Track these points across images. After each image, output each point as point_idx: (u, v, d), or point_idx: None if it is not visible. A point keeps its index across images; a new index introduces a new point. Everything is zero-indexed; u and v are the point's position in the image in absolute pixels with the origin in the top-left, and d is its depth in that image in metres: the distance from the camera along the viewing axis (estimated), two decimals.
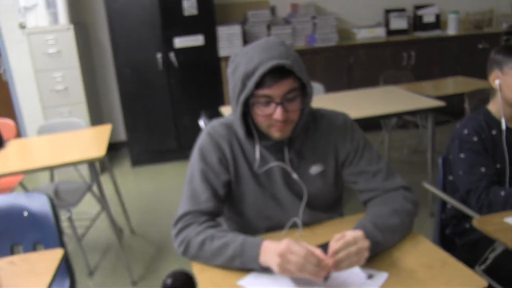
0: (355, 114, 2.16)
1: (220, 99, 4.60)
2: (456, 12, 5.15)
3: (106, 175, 4.11)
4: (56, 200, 2.75)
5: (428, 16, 5.32)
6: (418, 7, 5.35)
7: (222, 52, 4.54)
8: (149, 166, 4.68)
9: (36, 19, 4.22)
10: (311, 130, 1.44)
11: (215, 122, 1.46)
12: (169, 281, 0.82)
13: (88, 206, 3.34)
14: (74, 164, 2.53)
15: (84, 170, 3.51)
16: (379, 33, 5.18)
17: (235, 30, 4.59)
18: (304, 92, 1.32)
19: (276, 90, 1.25)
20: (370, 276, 1.16)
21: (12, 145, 2.82)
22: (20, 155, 2.69)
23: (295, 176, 1.41)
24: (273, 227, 1.45)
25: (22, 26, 4.30)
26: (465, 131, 1.81)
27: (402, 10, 5.33)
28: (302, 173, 1.43)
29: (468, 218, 1.79)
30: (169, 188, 4.09)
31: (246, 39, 4.69)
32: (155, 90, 4.54)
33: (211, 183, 1.38)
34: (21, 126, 4.87)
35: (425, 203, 3.15)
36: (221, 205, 1.42)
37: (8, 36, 4.58)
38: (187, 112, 4.61)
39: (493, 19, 5.45)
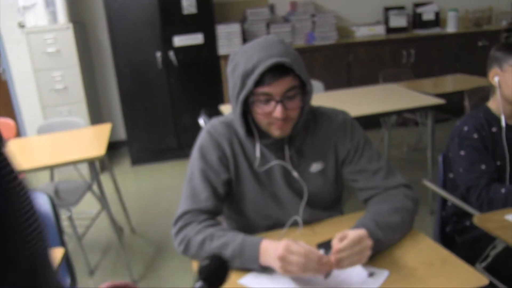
0: (354, 112, 2.17)
1: (219, 98, 4.60)
2: (455, 10, 5.14)
3: (106, 174, 4.11)
4: (56, 200, 2.75)
5: (428, 14, 5.32)
6: (417, 5, 5.35)
7: (222, 50, 4.54)
8: (149, 165, 4.68)
9: (35, 18, 4.21)
10: (311, 128, 1.44)
11: (215, 120, 1.46)
12: (205, 263, 0.83)
13: (88, 205, 3.34)
14: (74, 163, 2.53)
15: (84, 169, 3.51)
16: (379, 31, 5.18)
17: (234, 28, 4.59)
18: (304, 90, 1.32)
19: (276, 88, 1.25)
20: (371, 274, 1.17)
21: (12, 145, 2.82)
22: (20, 155, 2.69)
23: (295, 174, 1.41)
24: (273, 226, 1.45)
25: (21, 26, 4.29)
26: (465, 128, 1.81)
27: (401, 8, 5.32)
28: (303, 171, 1.42)
29: (469, 216, 1.79)
30: (169, 187, 4.09)
31: (245, 38, 4.69)
32: (154, 89, 4.54)
33: (211, 182, 1.38)
34: (21, 125, 4.86)
35: (425, 201, 3.15)
36: (221, 204, 1.42)
37: (7, 35, 4.58)
38: (186, 110, 4.61)
39: (493, 16, 5.45)
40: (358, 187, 1.45)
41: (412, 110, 3.30)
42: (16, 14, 4.32)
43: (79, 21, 4.64)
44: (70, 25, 4.19)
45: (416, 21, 5.34)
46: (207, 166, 1.38)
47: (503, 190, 1.68)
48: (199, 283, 0.81)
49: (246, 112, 1.35)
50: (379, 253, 1.24)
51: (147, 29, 4.37)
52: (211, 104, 4.16)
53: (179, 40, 4.42)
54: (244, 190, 1.43)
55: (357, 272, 1.17)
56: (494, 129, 1.81)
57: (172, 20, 4.37)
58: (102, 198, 2.77)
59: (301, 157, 1.43)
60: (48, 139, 2.93)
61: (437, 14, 5.33)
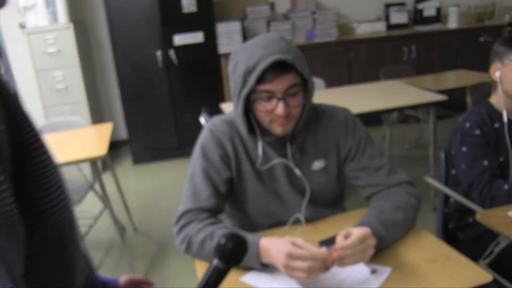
0: (356, 109, 2.16)
1: (220, 96, 4.59)
2: (457, 5, 5.13)
3: (107, 173, 4.11)
4: None
5: (429, 10, 5.30)
6: (418, 1, 5.33)
7: (222, 49, 4.54)
8: (151, 164, 4.68)
9: (35, 18, 4.21)
10: (313, 125, 1.44)
11: (217, 119, 1.45)
12: (222, 240, 0.83)
13: (90, 204, 3.34)
14: (76, 162, 2.53)
15: (86, 168, 3.51)
16: (379, 27, 5.17)
17: (235, 26, 4.58)
18: (305, 87, 1.31)
19: (278, 85, 1.24)
20: (373, 271, 1.16)
21: None
22: None
23: (297, 172, 1.41)
24: (275, 224, 1.44)
25: (22, 26, 4.29)
26: (467, 125, 1.80)
27: (402, 4, 5.31)
28: (305, 169, 1.42)
29: (471, 212, 1.79)
30: (170, 186, 4.09)
31: (246, 36, 4.68)
32: (155, 88, 4.54)
33: (212, 180, 1.37)
34: None
35: (427, 197, 3.14)
36: (223, 202, 1.42)
37: (8, 36, 4.58)
38: (187, 109, 4.60)
39: (495, 11, 5.42)
40: (360, 185, 1.44)
41: (414, 107, 3.29)
42: (17, 14, 4.32)
43: (80, 21, 4.64)
44: (71, 25, 4.19)
45: (417, 17, 5.32)
46: (208, 165, 1.38)
47: (506, 187, 1.67)
48: (215, 261, 0.82)
49: (248, 110, 1.34)
50: (381, 250, 1.23)
51: (147, 28, 4.36)
52: (212, 102, 4.16)
53: (179, 39, 4.42)
54: (246, 188, 1.42)
55: (360, 269, 1.17)
56: (496, 125, 1.80)
57: (172, 18, 4.36)
58: (104, 197, 2.77)
59: (303, 155, 1.42)
60: (49, 139, 2.91)
61: (438, 10, 5.31)
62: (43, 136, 0.69)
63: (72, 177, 3.33)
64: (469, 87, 2.92)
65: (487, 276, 1.10)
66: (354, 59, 4.91)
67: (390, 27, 5.24)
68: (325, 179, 1.45)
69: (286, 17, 4.99)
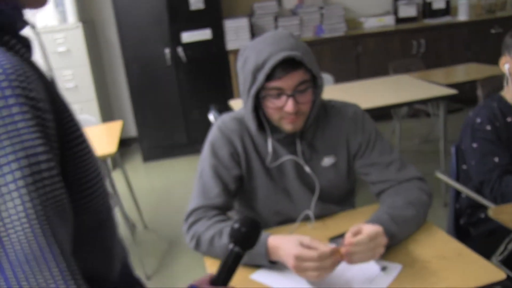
0: (365, 104, 2.15)
1: (229, 93, 4.59)
2: None
3: (117, 171, 4.13)
4: None
5: (438, 3, 5.24)
6: None
7: (230, 45, 4.53)
8: (160, 161, 4.70)
9: (45, 18, 4.24)
10: (322, 122, 1.43)
11: (226, 116, 1.45)
12: (236, 225, 0.86)
13: None
14: None
15: None
16: (388, 21, 5.12)
17: (242, 23, 4.57)
18: (315, 84, 1.31)
19: (287, 82, 1.24)
20: (383, 268, 1.16)
21: None
22: None
23: (307, 169, 1.40)
24: (284, 221, 1.44)
25: (32, 26, 4.32)
26: (478, 120, 1.77)
27: None
28: (314, 165, 1.41)
29: (483, 208, 1.76)
30: (180, 183, 4.11)
31: (254, 32, 4.67)
32: (164, 85, 4.55)
33: (222, 178, 1.37)
34: None
35: (438, 193, 3.12)
36: (232, 200, 1.42)
37: None
38: (196, 106, 4.61)
39: (507, 2, 5.33)
40: (371, 181, 1.43)
41: (424, 101, 3.27)
42: (27, 14, 4.34)
43: (88, 20, 4.65)
44: (80, 25, 4.21)
45: (426, 10, 5.26)
46: (218, 163, 1.38)
47: None
48: (231, 246, 0.84)
49: (257, 107, 1.34)
50: (392, 246, 1.22)
51: (155, 26, 4.37)
52: (220, 99, 4.16)
53: (187, 36, 4.42)
54: (256, 186, 1.42)
55: (370, 266, 1.16)
56: (509, 119, 1.77)
57: (180, 16, 4.37)
58: (114, 195, 2.78)
59: (313, 152, 1.42)
60: None
61: (447, 3, 5.25)
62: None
63: None
64: (479, 80, 2.89)
65: (500, 274, 1.09)
66: (362, 54, 4.88)
67: (398, 20, 5.19)
68: (335, 175, 1.44)
69: (293, 12, 4.96)
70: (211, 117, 2.98)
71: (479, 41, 5.00)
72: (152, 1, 4.29)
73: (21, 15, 0.69)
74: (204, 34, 4.44)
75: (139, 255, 2.78)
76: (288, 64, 1.23)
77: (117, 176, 3.40)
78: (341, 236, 1.16)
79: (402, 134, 4.12)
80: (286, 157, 1.39)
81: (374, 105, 2.80)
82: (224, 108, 2.75)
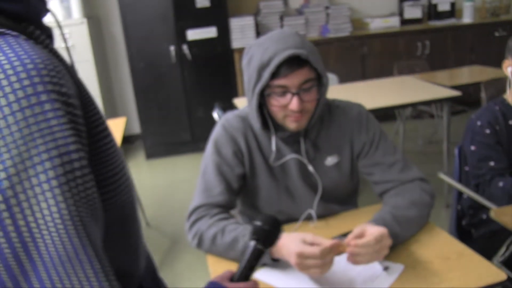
0: (369, 105, 2.15)
1: (233, 91, 4.60)
2: (471, 0, 5.06)
3: None
4: None
5: (443, 5, 5.23)
6: None
7: (235, 44, 4.53)
8: (164, 159, 4.71)
9: (49, 13, 4.24)
10: (326, 121, 1.43)
11: (230, 114, 1.45)
12: (258, 223, 0.87)
13: None
14: None
15: None
16: (393, 22, 5.12)
17: (248, 21, 4.58)
18: (320, 83, 1.31)
19: (292, 80, 1.24)
20: (386, 268, 1.16)
21: None
22: None
23: (310, 168, 1.40)
24: (286, 221, 1.44)
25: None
26: (478, 123, 1.78)
27: None
28: (318, 164, 1.42)
29: (485, 209, 1.77)
30: (183, 180, 4.11)
31: (259, 31, 4.67)
32: (168, 83, 4.55)
33: (225, 176, 1.38)
34: None
35: (440, 194, 3.12)
36: (235, 198, 1.42)
37: None
38: (200, 104, 4.62)
39: (511, 6, 5.34)
40: (374, 181, 1.44)
41: (428, 102, 3.26)
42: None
43: (93, 16, 4.66)
44: (85, 20, 4.22)
45: (431, 12, 5.26)
46: (221, 161, 1.38)
47: (500, 184, 1.66)
48: (252, 243, 0.85)
49: (262, 105, 1.34)
50: (394, 247, 1.23)
51: (160, 23, 4.37)
52: (225, 97, 4.17)
53: (193, 34, 4.42)
54: (258, 184, 1.42)
55: (372, 266, 1.16)
56: (511, 122, 1.77)
57: (186, 13, 4.37)
58: None
59: (317, 150, 1.42)
60: None
61: (452, 5, 5.24)
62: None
63: None
64: (483, 82, 2.89)
65: (501, 274, 1.09)
66: (367, 54, 4.88)
67: (404, 22, 5.18)
68: (338, 175, 1.44)
69: (299, 12, 4.97)
70: (215, 115, 2.98)
71: (483, 43, 5.00)
72: None
73: (45, 4, 0.67)
74: (210, 32, 4.45)
75: None
76: (293, 62, 1.23)
77: None
78: (345, 235, 1.16)
79: (406, 135, 4.12)
80: (290, 156, 1.40)
81: (378, 106, 2.80)
82: (228, 106, 2.75)
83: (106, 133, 0.66)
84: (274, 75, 1.24)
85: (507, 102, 1.81)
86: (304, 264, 1.08)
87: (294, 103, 1.26)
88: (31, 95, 0.52)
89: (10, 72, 0.52)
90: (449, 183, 2.06)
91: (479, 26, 5.03)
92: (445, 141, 3.23)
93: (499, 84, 2.56)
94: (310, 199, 1.42)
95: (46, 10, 0.68)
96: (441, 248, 1.23)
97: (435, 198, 1.39)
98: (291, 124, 1.32)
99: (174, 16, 4.36)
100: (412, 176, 1.39)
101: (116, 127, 2.88)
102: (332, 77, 3.64)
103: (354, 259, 1.10)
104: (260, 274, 1.19)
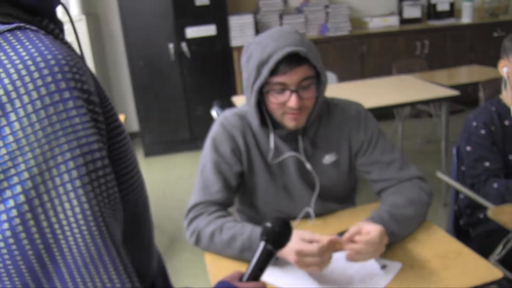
0: (368, 104, 2.15)
1: (232, 89, 4.60)
2: (471, 0, 5.06)
3: None
4: None
5: (442, 5, 5.24)
6: None
7: (234, 42, 4.53)
8: (162, 157, 4.71)
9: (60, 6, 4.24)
10: (325, 119, 1.43)
11: (228, 112, 1.45)
12: (269, 224, 0.88)
13: None
14: None
15: None
16: (392, 22, 5.12)
17: (247, 19, 4.57)
18: (318, 80, 1.31)
19: (291, 77, 1.24)
20: (383, 266, 1.17)
21: None
22: None
23: (308, 166, 1.41)
24: None
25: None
26: (474, 124, 1.78)
27: None
28: (316, 162, 1.42)
29: (482, 208, 1.78)
30: (182, 179, 4.11)
31: (258, 29, 4.67)
32: (167, 81, 4.55)
33: (223, 174, 1.38)
34: None
35: (438, 193, 3.12)
36: (233, 196, 1.42)
37: None
38: (199, 102, 4.61)
39: (510, 6, 5.35)
40: (372, 179, 1.44)
41: (426, 102, 3.27)
42: None
43: (92, 13, 4.66)
44: (83, 17, 4.21)
45: (431, 11, 5.26)
46: (219, 158, 1.39)
47: (495, 185, 1.67)
48: (263, 243, 0.86)
49: (260, 103, 1.34)
50: (392, 245, 1.23)
51: (159, 21, 4.37)
52: (223, 95, 4.17)
53: (192, 32, 4.42)
54: (256, 182, 1.43)
55: (370, 264, 1.17)
56: (506, 122, 1.78)
57: (185, 11, 4.37)
58: None
59: (315, 148, 1.42)
60: None
61: (452, 5, 5.25)
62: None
63: None
64: (482, 82, 2.90)
65: (497, 273, 1.10)
66: (366, 53, 4.89)
67: (403, 21, 5.19)
68: (336, 173, 1.45)
69: (299, 10, 4.97)
70: (214, 113, 2.98)
71: (482, 43, 5.01)
72: None
73: None
74: (209, 30, 4.44)
75: None
76: (292, 60, 1.23)
77: None
78: (341, 234, 1.17)
79: (404, 134, 4.12)
80: (288, 154, 1.40)
81: (377, 105, 2.81)
82: (227, 104, 2.75)
83: (120, 130, 0.64)
84: (273, 72, 1.24)
85: (503, 102, 1.81)
86: (303, 261, 1.09)
87: (292, 101, 1.26)
88: (54, 92, 0.50)
89: (32, 68, 0.50)
90: (447, 182, 2.06)
91: (478, 26, 5.03)
92: (443, 141, 3.24)
93: (498, 84, 2.56)
94: (308, 197, 1.43)
95: (58, 2, 0.66)
96: (438, 246, 1.24)
97: (433, 197, 1.39)
98: (289, 122, 1.32)
99: (173, 14, 4.35)
100: (410, 174, 1.39)
101: None
102: (331, 76, 3.64)
103: (355, 256, 1.11)
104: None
